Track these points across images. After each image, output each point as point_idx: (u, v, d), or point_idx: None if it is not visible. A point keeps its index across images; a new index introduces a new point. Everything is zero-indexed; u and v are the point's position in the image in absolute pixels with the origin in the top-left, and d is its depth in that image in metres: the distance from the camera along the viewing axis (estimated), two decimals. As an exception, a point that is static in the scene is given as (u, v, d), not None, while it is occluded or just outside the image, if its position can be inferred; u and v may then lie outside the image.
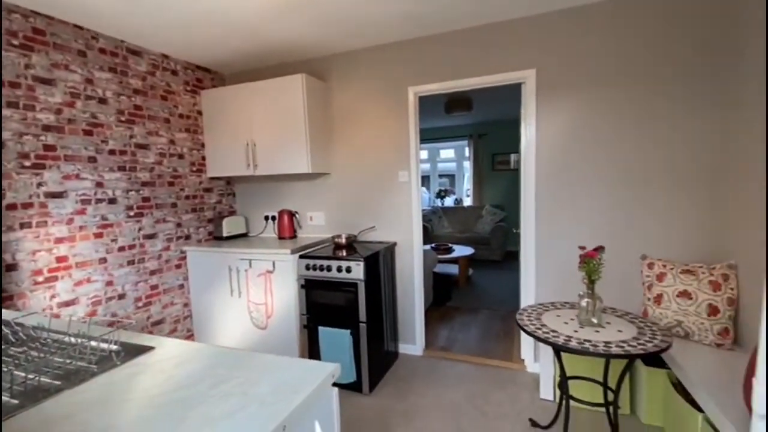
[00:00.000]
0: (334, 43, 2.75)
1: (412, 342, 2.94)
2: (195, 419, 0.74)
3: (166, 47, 2.69)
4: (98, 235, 2.40)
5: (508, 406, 2.24)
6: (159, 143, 2.78)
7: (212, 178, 3.23)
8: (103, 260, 2.43)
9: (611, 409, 1.68)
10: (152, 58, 2.72)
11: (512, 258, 6.04)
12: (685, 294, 1.99)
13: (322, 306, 2.50)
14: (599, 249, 1.70)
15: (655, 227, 2.27)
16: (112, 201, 2.48)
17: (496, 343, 3.09)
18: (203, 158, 3.14)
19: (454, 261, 4.94)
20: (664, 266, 2.10)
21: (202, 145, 3.13)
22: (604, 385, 1.75)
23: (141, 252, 2.66)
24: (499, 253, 6.06)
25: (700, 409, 1.62)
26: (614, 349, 1.45)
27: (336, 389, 0.94)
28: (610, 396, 1.93)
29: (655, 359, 2.08)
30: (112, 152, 2.48)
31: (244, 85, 2.90)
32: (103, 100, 2.42)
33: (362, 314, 2.38)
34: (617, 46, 2.25)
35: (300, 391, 0.83)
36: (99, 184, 2.41)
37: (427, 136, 7.22)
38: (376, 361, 2.53)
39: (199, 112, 3.10)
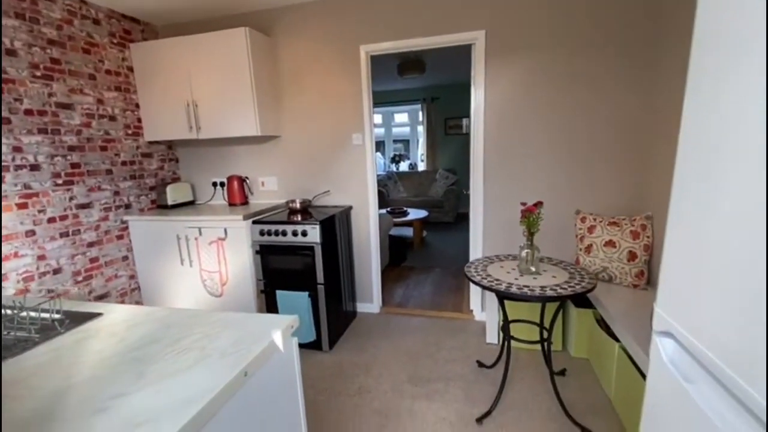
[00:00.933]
0: (279, -6, 2.57)
1: (370, 301, 3.05)
2: (152, 375, 0.75)
3: (83, -9, 2.37)
4: (22, 206, 2.18)
5: (458, 351, 2.44)
6: (85, 103, 2.50)
7: (151, 143, 2.99)
8: (31, 233, 2.23)
9: (545, 345, 1.90)
10: (67, 3, 2.39)
11: (464, 220, 6.32)
12: (610, 243, 2.23)
13: (279, 270, 2.50)
14: (538, 204, 1.84)
15: (588, 185, 2.49)
16: (34, 167, 2.24)
17: (448, 297, 3.30)
18: (139, 120, 2.89)
19: (409, 224, 5.09)
20: (594, 219, 2.33)
21: (137, 106, 2.86)
22: (540, 325, 1.97)
23: (75, 223, 2.46)
24: (452, 215, 6.31)
25: (618, 340, 1.88)
26: (549, 292, 1.62)
27: (296, 339, 0.98)
28: (546, 335, 2.17)
29: (583, 301, 2.35)
30: (28, 112, 2.20)
31: (180, 39, 2.65)
32: (11, 52, 2.12)
33: (320, 276, 2.42)
34: (564, 14, 2.33)
35: (260, 341, 0.86)
36: (17, 149, 2.15)
37: (381, 100, 7.12)
38: (335, 320, 2.62)
39: (130, 69, 2.81)
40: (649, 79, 2.26)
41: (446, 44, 2.58)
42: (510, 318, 2.20)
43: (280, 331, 0.91)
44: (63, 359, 0.82)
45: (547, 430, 1.75)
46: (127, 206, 2.81)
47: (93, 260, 2.58)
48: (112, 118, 2.69)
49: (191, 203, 3.17)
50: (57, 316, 1.02)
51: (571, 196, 2.52)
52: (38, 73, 2.25)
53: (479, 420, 1.82)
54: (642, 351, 1.53)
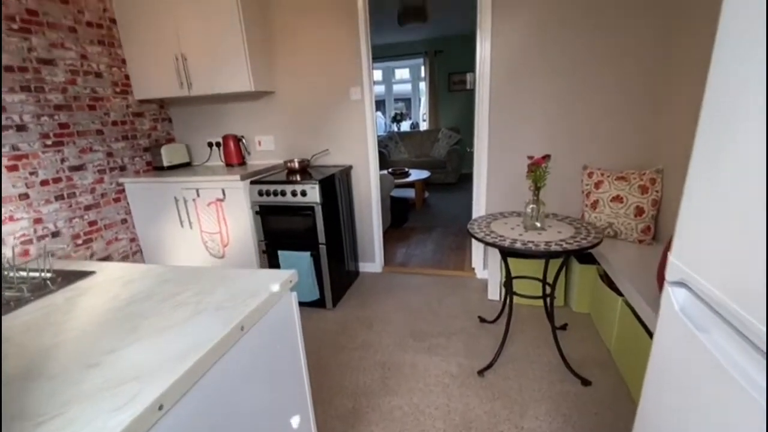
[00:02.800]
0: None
1: (372, 261, 3.05)
2: (146, 330, 0.73)
3: (52, -70, 2.16)
4: (12, 168, 2.12)
5: (460, 307, 2.46)
6: (67, 58, 2.36)
7: (142, 101, 2.87)
8: (25, 196, 2.18)
9: (548, 300, 1.90)
10: (37, -54, 2.19)
11: (467, 180, 6.22)
12: (617, 198, 2.17)
13: (280, 231, 2.47)
14: (546, 157, 1.76)
15: (596, 139, 2.38)
16: (21, 128, 2.15)
17: (450, 256, 3.29)
18: (127, 77, 2.75)
19: (411, 185, 5.01)
20: (602, 174, 2.25)
21: (123, 62, 2.72)
22: (543, 281, 1.96)
23: (69, 186, 2.40)
24: (455, 175, 6.20)
25: (621, 294, 1.87)
26: (553, 247, 1.58)
27: (295, 293, 0.96)
28: (549, 291, 2.17)
29: (587, 257, 2.33)
30: (9, 69, 2.08)
31: (162, -15, 2.46)
32: (-20, 0, 1.97)
33: (321, 236, 2.40)
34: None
35: (257, 295, 0.83)
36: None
37: (381, 54, 6.79)
38: (338, 279, 2.63)
39: (113, 21, 2.63)
40: (668, 27, 2.09)
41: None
42: (513, 275, 2.19)
43: (278, 284, 0.88)
44: (53, 316, 0.80)
45: (547, 381, 1.78)
46: (122, 168, 2.74)
47: (91, 223, 2.55)
48: (98, 75, 2.56)
49: (188, 164, 3.10)
50: (48, 275, 0.99)
51: (579, 151, 2.43)
52: (15, 26, 2.10)
53: (480, 372, 1.85)
54: (646, 304, 1.52)
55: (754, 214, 0.63)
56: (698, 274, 0.78)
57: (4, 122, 2.08)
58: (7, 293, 0.89)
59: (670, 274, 0.88)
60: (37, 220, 2.25)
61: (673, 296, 0.86)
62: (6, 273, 0.97)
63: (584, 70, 2.29)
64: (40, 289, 0.93)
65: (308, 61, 2.71)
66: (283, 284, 0.90)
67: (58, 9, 2.31)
